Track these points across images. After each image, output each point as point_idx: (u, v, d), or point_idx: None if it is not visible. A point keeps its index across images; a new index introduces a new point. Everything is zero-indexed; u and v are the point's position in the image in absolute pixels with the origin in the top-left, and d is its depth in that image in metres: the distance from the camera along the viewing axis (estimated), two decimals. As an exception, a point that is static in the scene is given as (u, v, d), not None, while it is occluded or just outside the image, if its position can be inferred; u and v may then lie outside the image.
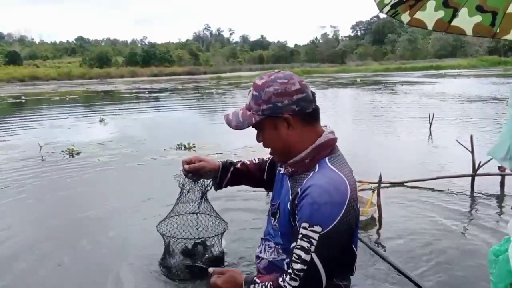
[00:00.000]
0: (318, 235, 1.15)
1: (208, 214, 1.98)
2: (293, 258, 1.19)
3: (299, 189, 1.23)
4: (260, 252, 1.47)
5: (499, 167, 4.52)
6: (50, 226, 3.99)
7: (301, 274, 1.16)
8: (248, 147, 7.19)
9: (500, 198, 4.45)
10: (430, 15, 2.02)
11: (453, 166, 5.47)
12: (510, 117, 1.50)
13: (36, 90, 32.48)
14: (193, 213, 1.85)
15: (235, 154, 6.81)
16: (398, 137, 8.29)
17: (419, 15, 2.04)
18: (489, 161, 4.44)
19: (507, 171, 4.35)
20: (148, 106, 17.73)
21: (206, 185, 1.73)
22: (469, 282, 2.75)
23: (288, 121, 1.23)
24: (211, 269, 1.38)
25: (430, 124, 8.35)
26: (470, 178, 4.76)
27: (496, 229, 3.54)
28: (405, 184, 4.79)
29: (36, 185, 5.33)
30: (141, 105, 18.09)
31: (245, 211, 4.03)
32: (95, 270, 3.02)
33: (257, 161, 1.67)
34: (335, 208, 1.17)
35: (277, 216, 1.35)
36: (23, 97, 23.90)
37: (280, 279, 1.21)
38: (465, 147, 4.98)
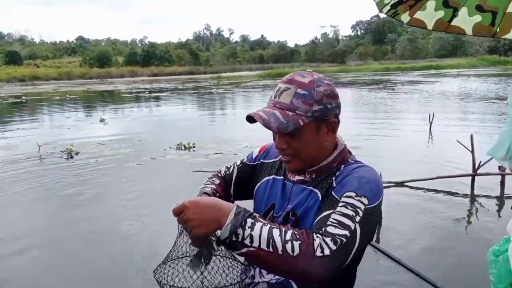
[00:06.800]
0: (364, 207, 1.03)
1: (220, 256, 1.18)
2: (331, 223, 0.99)
3: (333, 179, 1.13)
4: (253, 277, 1.23)
5: (499, 167, 4.52)
6: (44, 226, 4.00)
7: (344, 239, 0.97)
8: (248, 147, 7.18)
9: (500, 198, 4.45)
10: (430, 15, 2.02)
11: (453, 165, 5.46)
12: (510, 117, 1.49)
13: (36, 90, 32.50)
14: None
15: (235, 154, 6.80)
16: (398, 136, 8.28)
17: (419, 15, 2.03)
18: (489, 160, 4.43)
19: (507, 170, 4.35)
20: (148, 106, 17.73)
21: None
22: (468, 281, 2.75)
23: (332, 125, 1.15)
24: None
25: (430, 123, 8.35)
26: (470, 177, 4.75)
27: (496, 229, 3.53)
28: (405, 183, 4.78)
29: (32, 185, 5.31)
30: (141, 105, 18.09)
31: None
32: (84, 269, 3.03)
33: (218, 183, 1.38)
34: (380, 189, 1.09)
35: (289, 224, 1.14)
36: (23, 97, 23.91)
37: (315, 235, 0.96)
38: (465, 147, 4.97)
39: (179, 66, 69.96)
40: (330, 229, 0.98)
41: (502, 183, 4.62)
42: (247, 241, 0.93)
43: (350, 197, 1.04)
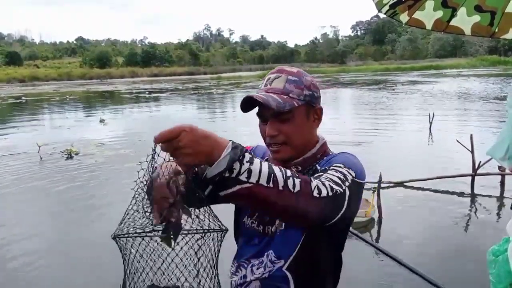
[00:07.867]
0: (352, 178, 1.04)
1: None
2: (325, 178, 1.00)
3: (317, 166, 1.15)
4: (245, 277, 1.19)
5: (499, 167, 4.52)
6: (42, 225, 4.00)
7: (338, 191, 0.97)
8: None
9: (500, 198, 4.45)
10: (428, 15, 2.02)
11: (453, 165, 5.46)
12: (509, 117, 1.49)
13: (36, 90, 32.51)
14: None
15: (235, 154, 6.80)
16: (398, 136, 8.28)
17: (417, 15, 2.04)
18: (489, 160, 4.43)
19: (507, 170, 4.35)
20: (148, 106, 17.72)
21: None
22: (468, 281, 2.75)
23: (317, 113, 1.19)
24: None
25: (430, 123, 8.35)
26: (470, 177, 4.75)
27: (496, 229, 3.54)
28: (405, 183, 4.78)
29: (31, 185, 5.32)
30: (142, 105, 18.09)
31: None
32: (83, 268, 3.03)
33: None
34: (364, 173, 1.10)
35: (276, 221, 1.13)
36: (23, 98, 23.91)
37: (312, 178, 0.97)
38: (465, 147, 4.97)
39: (179, 66, 70.05)
40: (327, 181, 0.98)
41: (502, 183, 4.62)
42: (242, 177, 0.86)
43: (339, 167, 1.06)
